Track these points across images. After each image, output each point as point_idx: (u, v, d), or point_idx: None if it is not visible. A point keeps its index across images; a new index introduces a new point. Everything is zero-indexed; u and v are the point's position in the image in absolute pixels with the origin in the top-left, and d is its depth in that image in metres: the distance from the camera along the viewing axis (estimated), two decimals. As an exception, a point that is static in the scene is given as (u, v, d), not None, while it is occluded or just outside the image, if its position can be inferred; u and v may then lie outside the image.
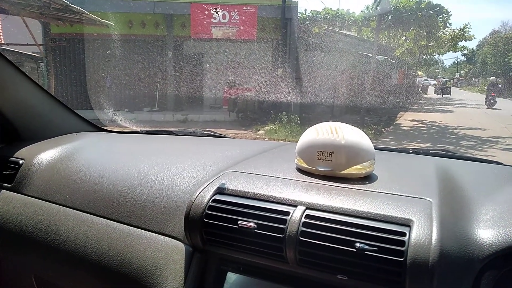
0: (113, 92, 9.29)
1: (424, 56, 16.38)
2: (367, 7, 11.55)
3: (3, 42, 8.75)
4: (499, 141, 6.92)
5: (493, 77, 16.35)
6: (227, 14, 9.14)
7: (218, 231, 0.74)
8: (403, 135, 7.68)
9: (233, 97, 9.23)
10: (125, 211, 0.91)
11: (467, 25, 12.53)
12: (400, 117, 10.54)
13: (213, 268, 0.78)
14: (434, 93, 22.23)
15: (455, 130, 8.30)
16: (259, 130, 7.78)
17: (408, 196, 0.71)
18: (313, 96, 8.42)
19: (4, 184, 1.16)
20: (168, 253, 0.81)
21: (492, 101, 13.32)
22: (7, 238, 1.08)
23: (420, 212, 0.65)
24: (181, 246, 0.81)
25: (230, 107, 9.11)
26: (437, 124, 9.27)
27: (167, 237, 0.84)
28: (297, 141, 0.89)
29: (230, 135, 1.65)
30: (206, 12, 9.12)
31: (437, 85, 23.02)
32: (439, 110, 13.13)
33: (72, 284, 0.99)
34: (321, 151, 0.81)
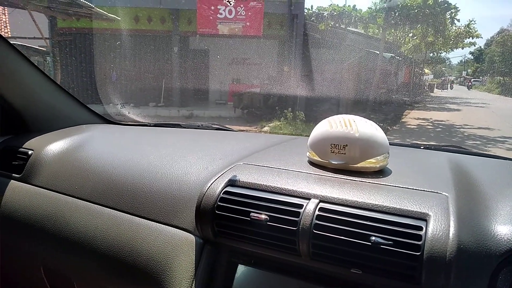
0: (118, 87, 9.31)
1: (431, 54, 16.26)
2: (374, 3, 11.47)
3: (10, 35, 8.79)
4: (506, 140, 6.85)
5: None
6: (233, 9, 9.10)
7: (230, 223, 0.73)
8: (409, 133, 7.62)
9: (238, 93, 9.21)
10: (135, 203, 0.91)
11: (471, 21, 12.37)
12: (406, 115, 10.47)
13: (224, 261, 0.77)
14: (436, 88, 23.15)
15: (461, 129, 8.22)
16: (264, 126, 7.77)
17: (424, 190, 0.70)
18: (319, 93, 8.37)
19: (13, 174, 1.16)
20: (178, 245, 0.81)
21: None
22: (16, 229, 1.08)
23: (437, 206, 0.64)
24: (192, 238, 0.81)
25: (236, 103, 9.09)
26: (443, 122, 9.20)
27: (177, 229, 0.83)
28: (305, 136, 0.88)
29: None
30: (213, 8, 9.09)
31: (441, 81, 24.88)
32: (446, 109, 13.03)
33: (81, 275, 0.99)
34: (334, 144, 0.79)
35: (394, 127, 8.28)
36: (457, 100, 17.12)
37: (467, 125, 8.60)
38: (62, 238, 0.97)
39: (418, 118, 9.74)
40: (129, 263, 0.85)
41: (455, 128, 8.45)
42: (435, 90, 22.42)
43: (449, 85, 25.91)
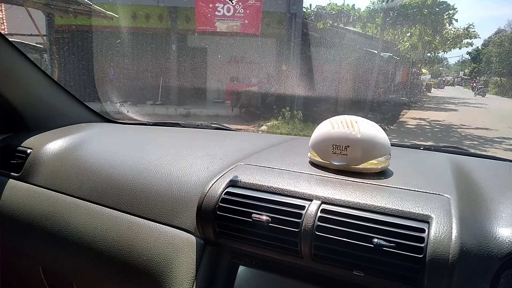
0: (116, 85, 9.27)
1: (429, 54, 16.32)
2: (372, 3, 11.49)
3: (7, 32, 8.73)
4: (503, 141, 6.87)
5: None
6: (231, 7, 9.08)
7: (231, 224, 0.73)
8: (407, 133, 7.64)
9: (236, 92, 9.21)
10: (135, 203, 0.90)
11: (471, 25, 12.48)
12: (403, 115, 10.49)
13: (225, 262, 0.77)
14: (433, 88, 23.70)
15: (459, 130, 8.25)
16: (262, 125, 7.76)
17: (426, 192, 0.70)
18: (317, 92, 8.36)
19: (12, 173, 1.16)
20: (179, 245, 0.80)
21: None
22: (15, 228, 1.07)
23: (439, 208, 0.64)
24: (192, 238, 0.80)
25: (233, 102, 9.09)
26: (440, 122, 9.23)
27: (178, 230, 0.83)
28: (306, 136, 0.88)
29: (233, 130, 1.63)
30: (211, 5, 9.07)
31: (437, 81, 25.71)
32: (443, 109, 13.07)
33: (81, 275, 0.99)
34: (336, 145, 0.79)
35: (392, 127, 8.29)
36: (455, 100, 17.18)
37: (464, 125, 8.64)
38: (61, 238, 0.96)
39: (416, 118, 9.77)
40: (129, 264, 0.85)
41: (452, 128, 8.47)
42: (432, 90, 22.68)
43: (444, 85, 26.50)
